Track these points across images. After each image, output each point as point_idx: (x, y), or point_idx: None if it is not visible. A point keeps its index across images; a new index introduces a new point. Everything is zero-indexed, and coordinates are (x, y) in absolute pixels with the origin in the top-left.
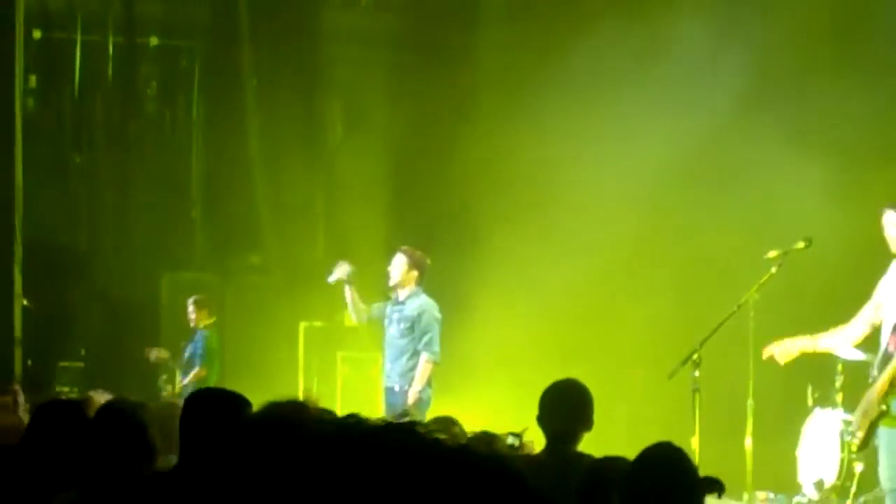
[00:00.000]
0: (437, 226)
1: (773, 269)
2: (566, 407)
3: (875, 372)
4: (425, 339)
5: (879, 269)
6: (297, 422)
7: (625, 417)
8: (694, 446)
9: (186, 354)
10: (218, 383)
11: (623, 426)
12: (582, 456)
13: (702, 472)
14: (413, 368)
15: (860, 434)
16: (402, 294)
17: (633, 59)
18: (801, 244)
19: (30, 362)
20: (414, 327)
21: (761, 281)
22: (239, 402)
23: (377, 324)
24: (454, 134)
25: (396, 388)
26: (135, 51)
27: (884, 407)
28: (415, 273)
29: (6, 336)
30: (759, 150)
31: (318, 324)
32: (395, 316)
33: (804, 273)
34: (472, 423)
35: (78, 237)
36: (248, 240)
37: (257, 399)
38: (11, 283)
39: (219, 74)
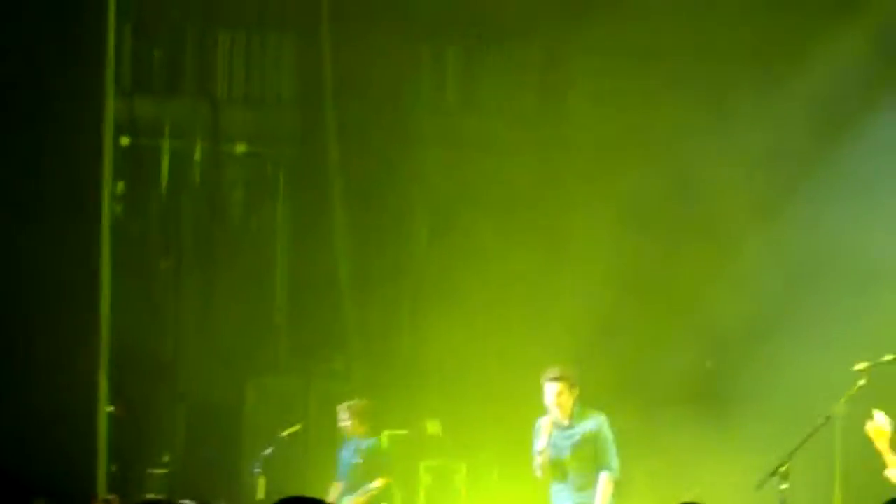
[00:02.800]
0: (531, 335)
1: (862, 382)
2: None
3: None
4: (605, 456)
5: None
6: None
7: None
8: None
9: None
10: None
11: None
12: None
13: None
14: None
15: None
16: (567, 419)
17: None
18: (889, 357)
19: (114, 468)
20: (591, 448)
21: (850, 393)
22: None
23: (462, 430)
24: (542, 237)
25: None
26: (221, 157)
27: None
28: (576, 391)
29: (90, 443)
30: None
31: (401, 432)
32: (568, 443)
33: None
34: None
35: (163, 342)
36: (332, 345)
37: None
38: (96, 388)
39: (305, 181)
